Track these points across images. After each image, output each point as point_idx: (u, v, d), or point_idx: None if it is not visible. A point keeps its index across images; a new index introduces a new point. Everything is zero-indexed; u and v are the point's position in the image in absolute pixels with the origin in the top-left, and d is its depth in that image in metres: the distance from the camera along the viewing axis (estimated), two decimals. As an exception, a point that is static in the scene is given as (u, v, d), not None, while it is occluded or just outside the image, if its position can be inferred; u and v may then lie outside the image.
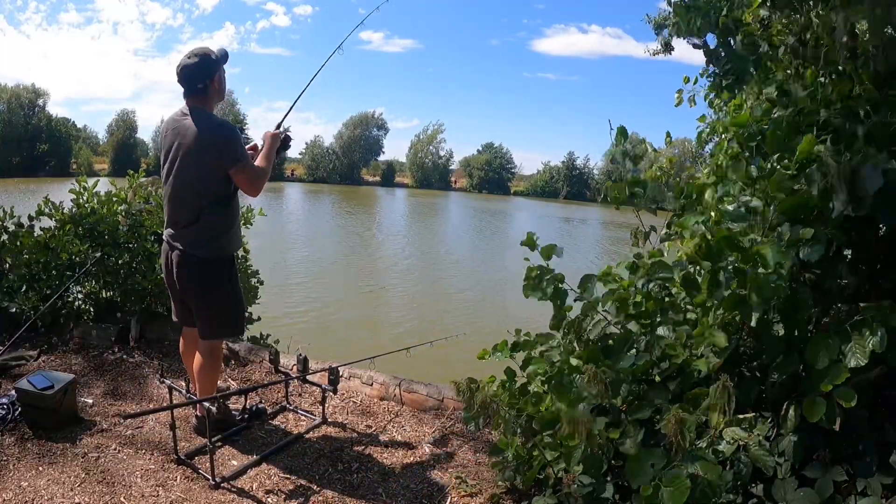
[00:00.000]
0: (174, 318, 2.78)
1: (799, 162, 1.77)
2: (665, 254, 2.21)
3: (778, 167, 1.84)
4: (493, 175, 63.99)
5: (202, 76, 2.44)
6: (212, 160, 2.41)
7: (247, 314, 4.40)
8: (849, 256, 1.87)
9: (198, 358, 2.65)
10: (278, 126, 2.78)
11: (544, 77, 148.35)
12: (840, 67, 1.89)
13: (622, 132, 2.27)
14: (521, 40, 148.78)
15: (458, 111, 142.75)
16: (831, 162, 1.60)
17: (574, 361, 2.05)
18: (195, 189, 2.46)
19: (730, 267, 1.74)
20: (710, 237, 1.78)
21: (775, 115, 1.91)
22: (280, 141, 2.68)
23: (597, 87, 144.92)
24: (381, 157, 67.48)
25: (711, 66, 2.44)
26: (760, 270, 1.65)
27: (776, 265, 1.63)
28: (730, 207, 1.86)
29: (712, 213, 1.92)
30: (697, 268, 2.00)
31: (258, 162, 2.58)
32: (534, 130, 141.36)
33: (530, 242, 2.18)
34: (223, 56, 2.53)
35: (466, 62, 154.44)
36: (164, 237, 2.60)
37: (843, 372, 1.56)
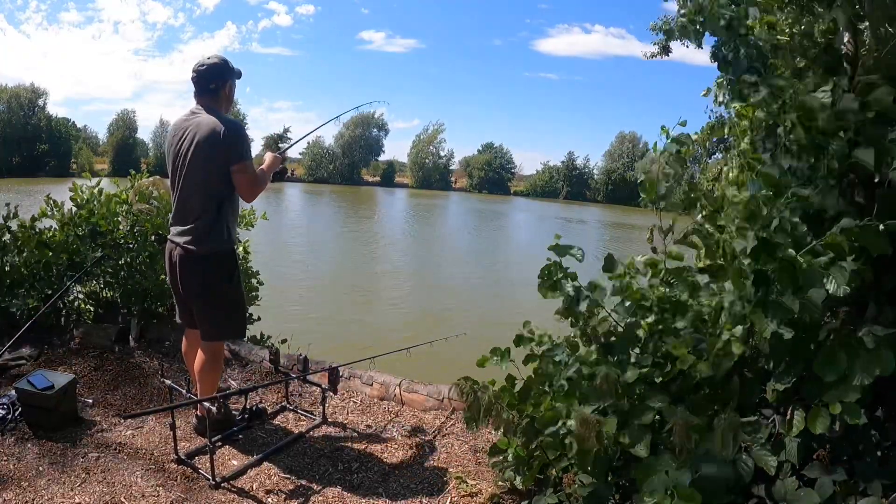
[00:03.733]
0: (178, 320, 2.81)
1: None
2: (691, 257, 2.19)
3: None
4: (493, 175, 64.02)
5: (217, 76, 2.54)
6: (220, 155, 2.43)
7: (247, 314, 4.40)
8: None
9: (199, 359, 2.65)
10: (282, 153, 2.87)
11: (546, 77, 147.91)
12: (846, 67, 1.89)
13: (666, 133, 2.26)
14: (523, 40, 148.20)
15: (459, 111, 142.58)
16: None
17: (585, 369, 2.04)
18: (205, 185, 2.49)
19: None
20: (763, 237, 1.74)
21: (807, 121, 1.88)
22: (279, 164, 2.76)
23: (599, 88, 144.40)
24: (382, 157, 67.64)
25: (722, 71, 2.44)
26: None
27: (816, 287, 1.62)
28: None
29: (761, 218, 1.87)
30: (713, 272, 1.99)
31: (258, 169, 2.63)
32: (534, 130, 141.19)
33: (559, 250, 2.16)
34: (238, 70, 2.65)
35: (468, 62, 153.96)
36: (169, 236, 2.62)
37: (855, 391, 1.56)
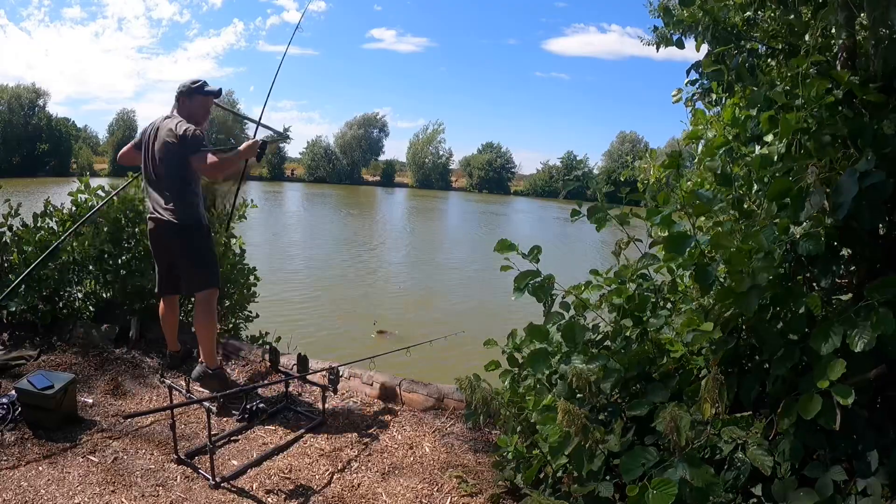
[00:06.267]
0: (157, 290, 3.27)
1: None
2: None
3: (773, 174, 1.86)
4: (493, 175, 63.99)
5: (178, 92, 3.10)
6: (175, 153, 2.96)
7: (246, 312, 4.42)
8: (847, 255, 1.88)
9: (196, 317, 3.14)
10: (255, 134, 3.39)
11: (558, 77, 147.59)
12: (837, 66, 1.90)
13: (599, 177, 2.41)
14: (539, 39, 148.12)
15: (464, 111, 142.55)
16: (811, 166, 1.63)
17: (563, 368, 2.09)
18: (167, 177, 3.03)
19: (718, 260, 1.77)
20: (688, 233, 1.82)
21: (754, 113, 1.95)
22: (257, 150, 3.08)
23: (609, 88, 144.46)
24: (382, 157, 67.69)
25: (694, 72, 2.50)
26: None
27: (769, 247, 1.65)
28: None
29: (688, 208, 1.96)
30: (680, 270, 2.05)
31: (225, 155, 3.07)
32: (535, 130, 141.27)
33: (504, 247, 2.24)
34: (200, 89, 3.10)
35: (481, 61, 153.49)
36: (150, 215, 3.10)
37: (840, 366, 1.56)
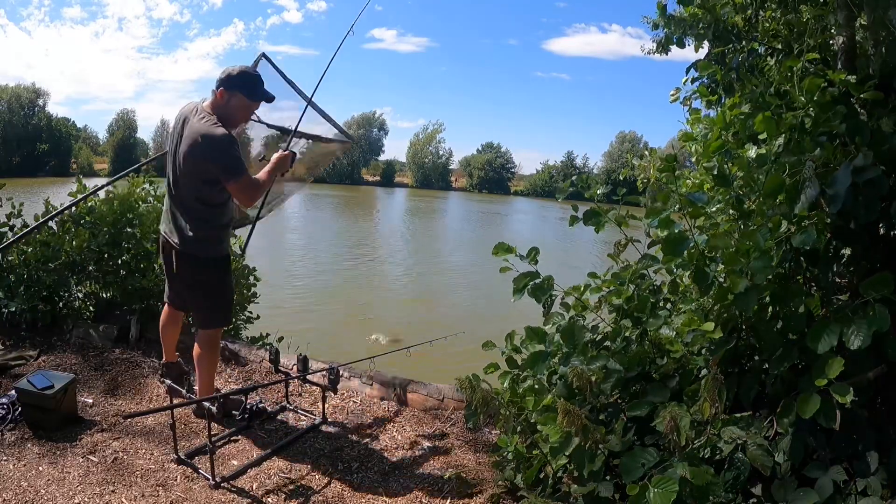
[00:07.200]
0: (165, 299, 2.93)
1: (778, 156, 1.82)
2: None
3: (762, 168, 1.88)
4: (493, 175, 64.12)
5: (218, 81, 2.49)
6: (205, 171, 2.47)
7: (247, 313, 4.41)
8: (847, 255, 1.88)
9: (197, 348, 2.77)
10: (287, 146, 2.81)
11: (559, 77, 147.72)
12: (837, 65, 1.91)
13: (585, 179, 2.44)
14: (539, 39, 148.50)
15: (465, 111, 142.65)
16: (806, 158, 1.64)
17: (563, 369, 2.09)
18: (193, 198, 2.55)
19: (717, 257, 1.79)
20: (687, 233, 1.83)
21: (750, 114, 1.96)
22: (288, 164, 2.64)
23: (610, 88, 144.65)
24: (382, 157, 67.79)
25: (694, 70, 2.52)
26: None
27: (764, 245, 1.66)
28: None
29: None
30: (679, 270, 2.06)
31: (259, 175, 2.55)
32: (536, 130, 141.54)
33: (502, 250, 2.26)
34: (251, 89, 2.49)
35: (481, 61, 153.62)
36: (161, 229, 2.72)
37: (837, 364, 1.56)
